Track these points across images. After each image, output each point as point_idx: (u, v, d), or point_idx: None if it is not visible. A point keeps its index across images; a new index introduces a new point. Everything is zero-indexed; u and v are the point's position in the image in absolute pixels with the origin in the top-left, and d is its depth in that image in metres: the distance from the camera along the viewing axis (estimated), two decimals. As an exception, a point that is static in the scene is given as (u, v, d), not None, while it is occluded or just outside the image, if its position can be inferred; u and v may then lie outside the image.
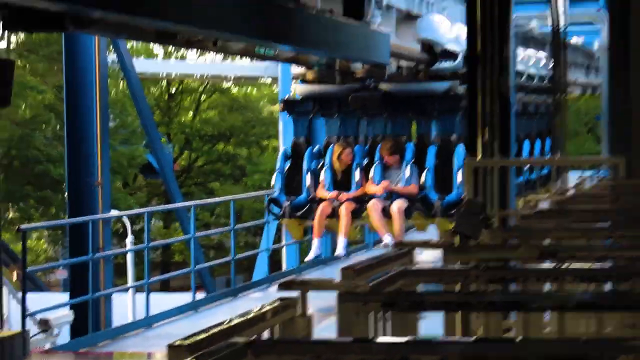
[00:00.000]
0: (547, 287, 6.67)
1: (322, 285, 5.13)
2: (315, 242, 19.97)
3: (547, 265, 6.65)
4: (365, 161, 20.02)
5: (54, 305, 19.80)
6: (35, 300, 20.20)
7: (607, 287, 7.59)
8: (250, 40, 12.98)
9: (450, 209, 18.58)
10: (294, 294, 4.86)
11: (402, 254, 6.49)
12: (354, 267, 5.48)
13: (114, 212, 26.58)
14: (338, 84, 20.09)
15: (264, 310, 4.39)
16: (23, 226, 20.64)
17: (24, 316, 15.79)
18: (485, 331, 6.86)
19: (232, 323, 4.13)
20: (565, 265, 6.44)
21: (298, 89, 21.10)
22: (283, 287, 4.89)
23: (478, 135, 13.11)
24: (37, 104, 43.30)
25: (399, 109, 20.31)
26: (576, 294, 5.50)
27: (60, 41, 23.77)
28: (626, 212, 9.53)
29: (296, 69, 20.70)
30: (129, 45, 29.54)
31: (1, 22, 11.55)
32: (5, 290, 16.31)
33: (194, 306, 20.50)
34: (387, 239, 18.60)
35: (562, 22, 19.74)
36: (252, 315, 4.31)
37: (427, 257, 12.02)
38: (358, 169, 19.65)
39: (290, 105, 21.52)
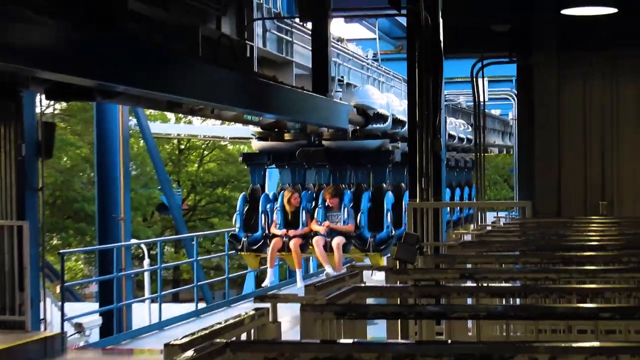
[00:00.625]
0: (468, 301, 6.63)
1: (288, 298, 5.07)
2: (269, 272, 19.83)
3: (468, 284, 6.61)
4: (312, 205, 19.81)
5: (86, 312, 20.22)
6: (73, 308, 20.68)
7: (515, 301, 7.59)
8: (239, 109, 13.04)
9: (381, 244, 18.85)
10: (267, 305, 4.83)
11: (354, 274, 6.45)
12: (314, 284, 5.43)
13: (134, 241, 26.85)
14: (288, 141, 20.00)
15: (242, 317, 4.34)
16: (62, 251, 21.18)
17: (62, 320, 15.86)
18: (419, 336, 6.84)
19: (216, 327, 4.08)
20: (481, 284, 6.42)
21: (254, 145, 21.09)
22: (258, 299, 4.84)
23: (417, 184, 13.12)
24: (76, 157, 44.04)
25: (339, 162, 20.05)
26: (488, 306, 5.47)
27: (93, 108, 24.03)
28: (531, 243, 9.52)
29: (254, 128, 20.53)
30: (147, 112, 29.47)
31: (45, 94, 11.65)
32: (48, 300, 16.37)
33: (196, 314, 20.83)
34: (328, 269, 18.64)
35: (482, 98, 19.73)
36: (232, 321, 4.26)
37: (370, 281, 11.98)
38: (304, 211, 19.51)
39: (248, 158, 21.73)
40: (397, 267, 6.86)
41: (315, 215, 19.45)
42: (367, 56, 22.11)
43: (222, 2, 12.95)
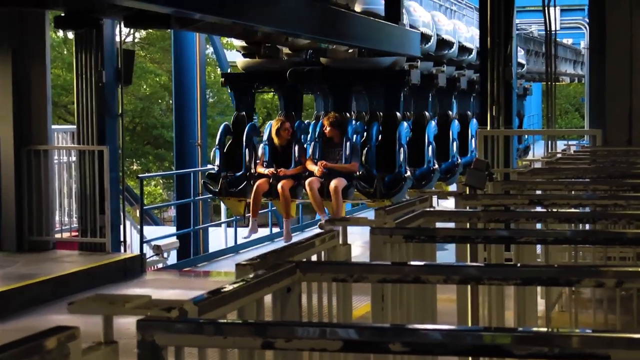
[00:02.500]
0: (537, 227, 6.58)
1: (359, 221, 5.05)
2: (252, 222, 15.16)
3: (537, 209, 6.54)
4: (310, 138, 15.23)
5: (165, 235, 20.40)
6: (152, 231, 20.86)
7: (584, 227, 7.51)
8: (312, 37, 12.92)
9: (392, 188, 14.44)
10: (338, 228, 4.81)
11: (424, 199, 6.42)
12: (384, 208, 5.40)
13: (210, 166, 26.95)
14: (280, 59, 15.75)
15: (312, 239, 4.34)
16: (141, 175, 21.38)
17: (141, 243, 16.02)
18: (488, 261, 6.80)
19: (288, 248, 4.08)
20: (550, 210, 6.36)
21: (239, 63, 16.14)
22: (329, 222, 4.82)
23: (487, 112, 13.00)
24: (155, 84, 44.39)
25: (340, 84, 15.32)
26: (556, 231, 5.42)
27: (171, 37, 24.13)
28: (601, 170, 9.40)
29: (238, 42, 16.17)
30: (223, 40, 29.48)
31: (124, 22, 11.73)
32: (128, 223, 16.65)
33: (270, 238, 20.87)
34: (322, 219, 13.86)
35: (554, 27, 19.37)
36: (304, 243, 4.26)
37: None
38: (297, 146, 14.95)
39: (230, 80, 16.78)
40: (467, 192, 6.80)
41: (311, 151, 14.82)
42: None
43: None
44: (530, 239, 4.65)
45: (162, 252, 19.00)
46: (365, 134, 15.18)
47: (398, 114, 15.01)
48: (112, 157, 13.93)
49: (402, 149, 14.63)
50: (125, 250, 14.84)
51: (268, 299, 3.48)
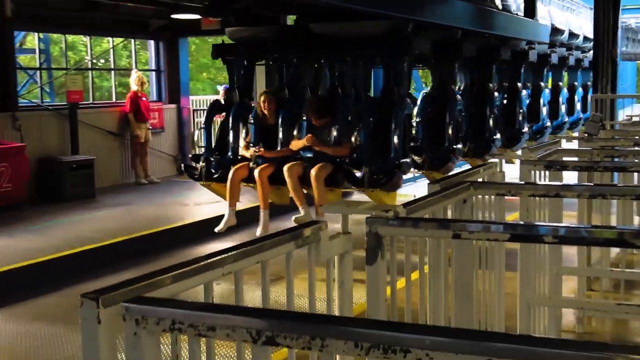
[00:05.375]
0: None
1: (511, 155, 4.97)
2: (228, 212, 8.36)
3: (636, 148, 6.24)
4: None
5: None
6: None
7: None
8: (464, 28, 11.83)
9: (385, 176, 7.73)
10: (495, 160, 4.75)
11: (554, 143, 6.25)
12: (528, 147, 5.28)
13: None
14: (271, 26, 9.00)
15: (478, 168, 4.29)
16: None
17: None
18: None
19: (465, 173, 4.04)
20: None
21: (227, 32, 9.14)
22: (489, 155, 4.75)
23: (598, 82, 12.41)
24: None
25: (331, 52, 8.46)
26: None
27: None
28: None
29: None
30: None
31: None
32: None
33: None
34: (301, 212, 7.84)
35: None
36: (472, 171, 4.21)
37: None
38: (283, 126, 8.32)
39: (221, 51, 9.08)
40: (586, 137, 6.59)
41: (296, 132, 8.31)
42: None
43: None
44: (635, 168, 4.45)
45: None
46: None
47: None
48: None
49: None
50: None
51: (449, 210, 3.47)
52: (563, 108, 14.59)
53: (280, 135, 8.16)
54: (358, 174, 7.57)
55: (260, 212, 8.02)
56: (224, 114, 8.70)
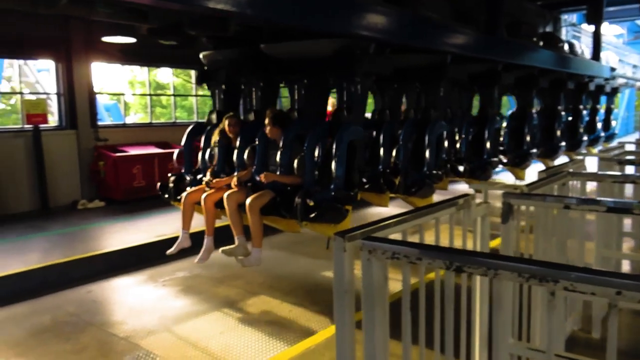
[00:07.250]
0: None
1: (593, 153, 5.04)
2: (182, 234, 6.14)
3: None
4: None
5: None
6: None
7: None
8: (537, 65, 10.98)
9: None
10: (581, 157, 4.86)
11: (620, 147, 6.18)
12: (603, 149, 5.33)
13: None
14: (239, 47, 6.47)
15: (569, 161, 4.43)
16: None
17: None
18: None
19: (562, 165, 4.21)
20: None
21: (203, 57, 6.78)
22: (576, 154, 4.87)
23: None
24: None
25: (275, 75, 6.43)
26: None
27: None
28: None
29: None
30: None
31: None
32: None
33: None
34: (236, 242, 5.66)
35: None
36: (566, 164, 4.38)
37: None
38: (241, 148, 6.12)
39: (203, 77, 6.89)
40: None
41: (246, 157, 6.05)
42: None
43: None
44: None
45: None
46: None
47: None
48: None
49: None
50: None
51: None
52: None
53: (235, 158, 6.17)
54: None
55: (205, 237, 5.99)
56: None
